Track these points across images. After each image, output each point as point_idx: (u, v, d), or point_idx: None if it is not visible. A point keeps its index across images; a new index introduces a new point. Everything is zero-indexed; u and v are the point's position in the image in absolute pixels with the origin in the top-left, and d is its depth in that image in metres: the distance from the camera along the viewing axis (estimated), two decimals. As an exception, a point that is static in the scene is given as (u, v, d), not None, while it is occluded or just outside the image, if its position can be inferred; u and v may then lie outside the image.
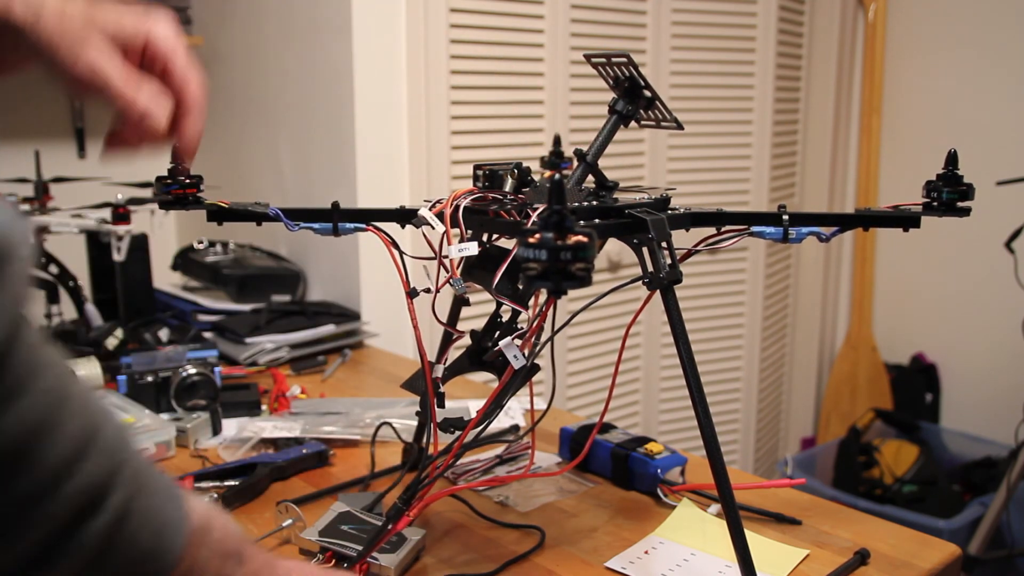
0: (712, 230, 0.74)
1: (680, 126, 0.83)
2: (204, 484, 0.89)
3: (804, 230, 0.72)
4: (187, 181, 0.72)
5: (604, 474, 0.93)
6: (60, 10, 0.53)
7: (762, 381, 2.29)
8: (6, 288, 0.36)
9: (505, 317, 0.73)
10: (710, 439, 0.63)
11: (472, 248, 0.68)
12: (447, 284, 0.70)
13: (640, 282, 0.65)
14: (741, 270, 2.17)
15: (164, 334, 1.43)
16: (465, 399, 1.17)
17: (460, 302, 0.80)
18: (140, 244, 1.49)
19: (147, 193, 1.49)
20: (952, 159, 0.70)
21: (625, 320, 1.95)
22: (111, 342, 1.36)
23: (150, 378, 1.14)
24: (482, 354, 0.73)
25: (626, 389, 2.05)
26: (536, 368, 0.68)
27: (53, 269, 1.42)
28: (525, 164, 0.73)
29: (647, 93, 0.82)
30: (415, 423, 0.96)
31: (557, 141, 0.99)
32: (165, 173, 0.71)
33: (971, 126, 2.42)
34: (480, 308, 1.50)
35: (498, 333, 0.73)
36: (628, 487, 0.90)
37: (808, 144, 2.41)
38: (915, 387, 2.59)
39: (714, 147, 2.08)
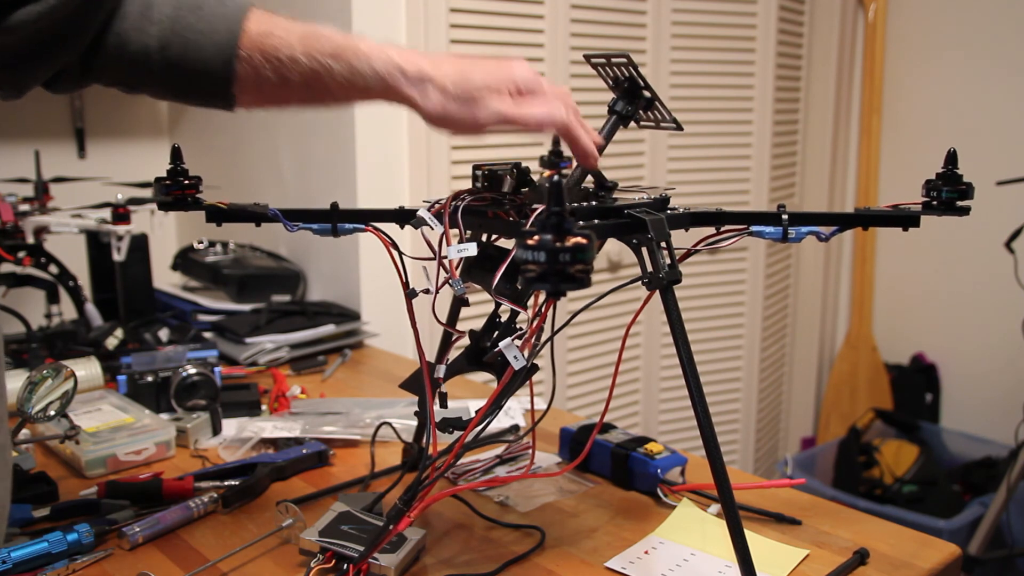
0: (712, 230, 0.74)
1: (680, 127, 0.83)
2: (204, 484, 0.89)
3: (804, 230, 0.72)
4: (186, 182, 0.72)
5: (604, 474, 0.93)
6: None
7: (762, 381, 2.29)
8: None
9: (504, 317, 0.73)
10: (710, 439, 0.63)
11: (471, 249, 0.68)
12: (446, 285, 0.70)
13: (640, 282, 0.65)
14: (741, 270, 2.17)
15: (164, 334, 1.44)
16: (465, 399, 1.17)
17: (459, 302, 0.80)
18: (140, 244, 1.49)
19: (147, 193, 1.49)
20: (951, 158, 0.70)
21: (625, 320, 1.95)
22: (111, 342, 1.36)
23: (150, 378, 1.14)
24: (481, 354, 0.73)
25: (626, 389, 2.05)
26: (535, 368, 0.68)
27: (53, 269, 1.42)
28: (524, 164, 0.73)
29: (647, 94, 0.82)
30: (415, 423, 0.96)
31: (556, 141, 0.98)
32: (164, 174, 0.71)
33: (971, 126, 2.42)
34: (480, 308, 1.50)
35: (497, 333, 0.73)
36: (628, 487, 0.90)
37: (808, 144, 2.41)
38: (915, 387, 2.59)
39: (714, 147, 2.08)
